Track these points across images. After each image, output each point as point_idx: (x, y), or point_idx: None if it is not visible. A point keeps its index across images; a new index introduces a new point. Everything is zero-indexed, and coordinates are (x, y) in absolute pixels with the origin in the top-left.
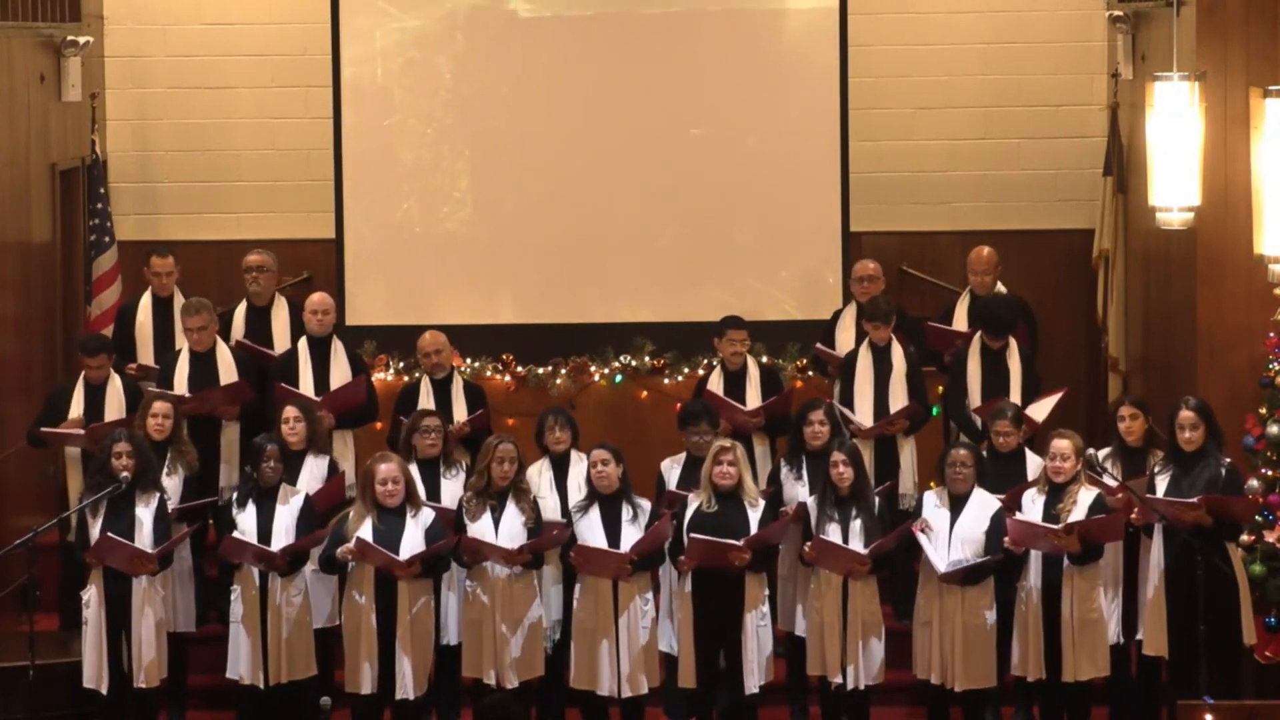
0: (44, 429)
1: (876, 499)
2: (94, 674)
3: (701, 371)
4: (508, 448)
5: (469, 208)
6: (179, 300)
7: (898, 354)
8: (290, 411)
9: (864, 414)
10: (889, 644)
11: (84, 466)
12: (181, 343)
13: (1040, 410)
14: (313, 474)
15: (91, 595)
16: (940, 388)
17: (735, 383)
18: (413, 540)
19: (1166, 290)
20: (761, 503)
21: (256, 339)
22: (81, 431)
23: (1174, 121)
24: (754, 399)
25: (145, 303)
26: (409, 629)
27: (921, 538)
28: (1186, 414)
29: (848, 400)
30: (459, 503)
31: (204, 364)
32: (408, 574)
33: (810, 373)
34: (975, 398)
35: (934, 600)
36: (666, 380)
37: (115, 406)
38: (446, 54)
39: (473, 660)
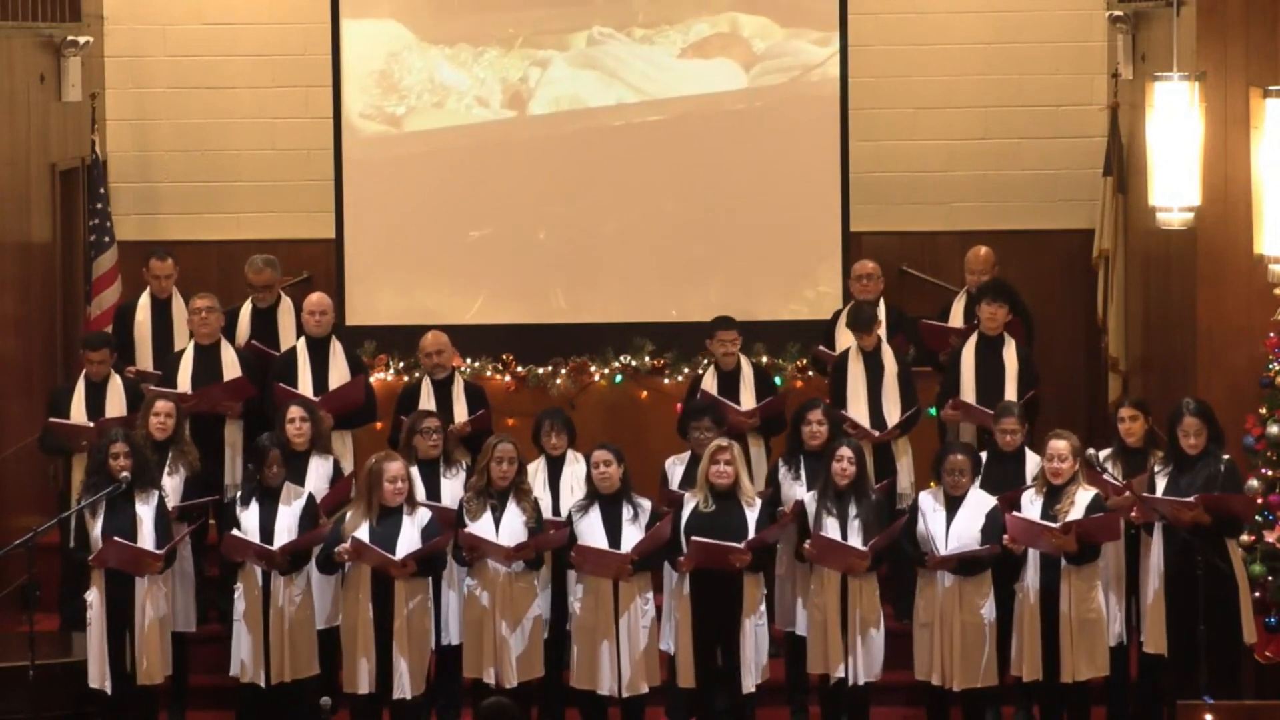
0: (52, 419)
1: (875, 496)
2: (98, 675)
3: (701, 371)
4: (507, 447)
5: (469, 208)
6: (178, 302)
7: (889, 356)
8: (295, 411)
9: (858, 417)
10: (889, 643)
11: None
12: (182, 342)
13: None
14: (318, 474)
15: (94, 597)
16: (938, 388)
17: (729, 383)
18: (409, 540)
19: (1166, 290)
20: (758, 502)
21: (262, 339)
22: (89, 425)
23: (1174, 121)
24: (748, 399)
25: (144, 303)
26: (405, 629)
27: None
28: (1190, 420)
29: (840, 404)
30: (459, 502)
31: (207, 360)
32: (403, 574)
33: (810, 373)
34: (970, 395)
35: (933, 602)
36: (666, 380)
37: (116, 405)
38: (448, 56)
39: (473, 660)
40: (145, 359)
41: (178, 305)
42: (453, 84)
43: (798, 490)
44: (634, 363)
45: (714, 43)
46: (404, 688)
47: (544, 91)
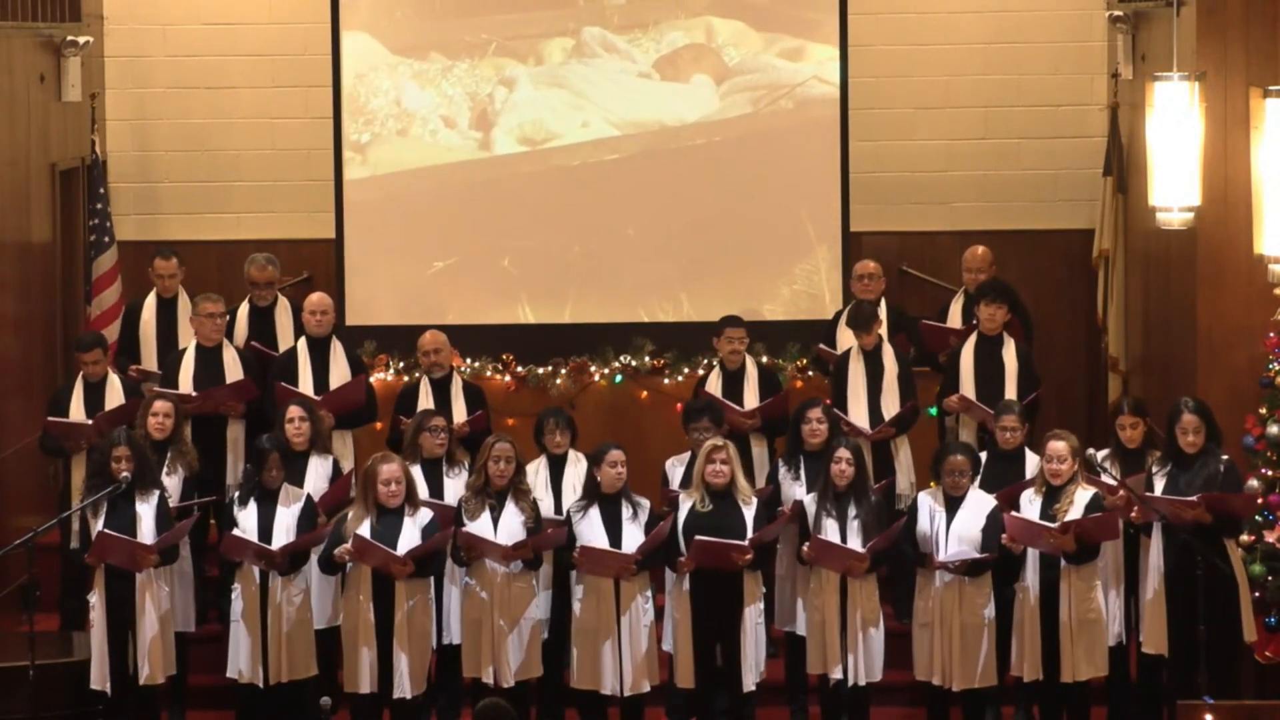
0: (50, 418)
1: (874, 497)
2: (100, 675)
3: (701, 371)
4: (504, 447)
5: (469, 208)
6: (183, 301)
7: (889, 355)
8: (295, 411)
9: (858, 417)
10: (889, 644)
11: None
12: (186, 342)
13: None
14: (317, 474)
15: (96, 598)
16: (938, 388)
17: (733, 382)
18: (410, 540)
19: (1166, 290)
20: (755, 500)
21: (260, 339)
22: (88, 422)
23: (1174, 121)
24: (751, 399)
25: (150, 303)
26: (405, 628)
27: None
28: (1189, 418)
29: (840, 403)
30: (458, 502)
31: (210, 362)
32: (403, 573)
33: (810, 373)
34: (969, 395)
35: (933, 602)
36: (666, 380)
37: (115, 404)
38: (417, 72)
39: (471, 659)
40: (150, 358)
41: (183, 305)
42: (417, 108)
43: (798, 491)
44: (634, 363)
45: (711, 44)
46: (404, 687)
47: (544, 91)
